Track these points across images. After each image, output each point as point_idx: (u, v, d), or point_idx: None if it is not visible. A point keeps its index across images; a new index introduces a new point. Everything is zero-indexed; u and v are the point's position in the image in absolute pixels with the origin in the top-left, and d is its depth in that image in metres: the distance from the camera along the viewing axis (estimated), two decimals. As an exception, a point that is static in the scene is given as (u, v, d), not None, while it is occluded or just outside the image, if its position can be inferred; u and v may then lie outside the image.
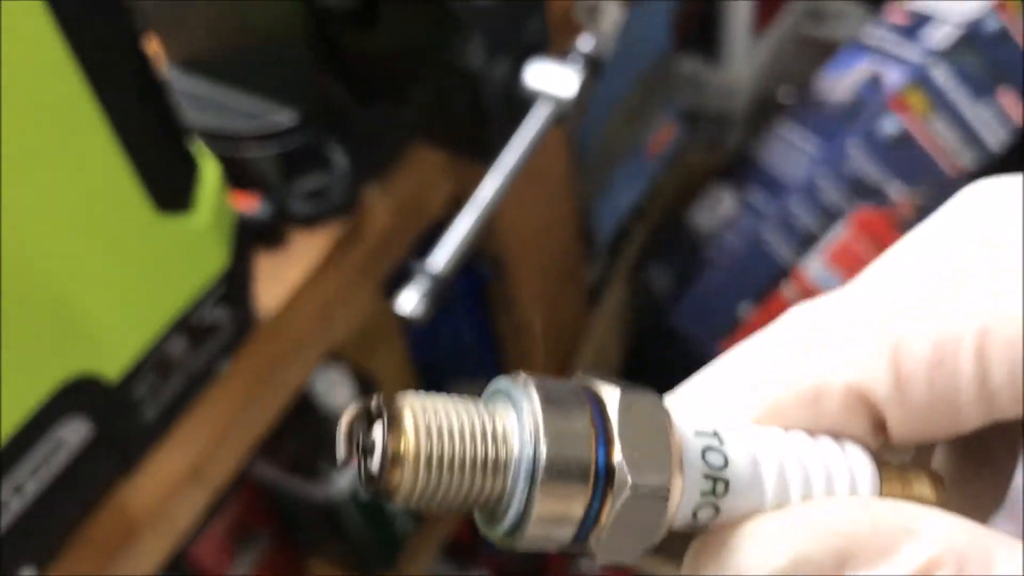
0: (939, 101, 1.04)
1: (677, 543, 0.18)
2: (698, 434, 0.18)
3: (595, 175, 1.10)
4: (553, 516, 0.16)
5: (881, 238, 1.07)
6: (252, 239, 0.60)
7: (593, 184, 1.10)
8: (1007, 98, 1.06)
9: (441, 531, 1.04)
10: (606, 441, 0.16)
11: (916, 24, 1.10)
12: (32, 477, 0.44)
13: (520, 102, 0.59)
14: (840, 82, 1.10)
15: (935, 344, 0.17)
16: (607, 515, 0.16)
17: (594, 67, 0.58)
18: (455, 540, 1.11)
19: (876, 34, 1.12)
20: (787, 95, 1.26)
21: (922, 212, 1.08)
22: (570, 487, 0.16)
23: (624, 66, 1.07)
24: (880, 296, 0.19)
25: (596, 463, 0.16)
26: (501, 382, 0.17)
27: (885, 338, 0.18)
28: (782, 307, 1.04)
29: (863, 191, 1.05)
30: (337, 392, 0.86)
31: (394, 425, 0.16)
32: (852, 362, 0.18)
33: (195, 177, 0.51)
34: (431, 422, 0.16)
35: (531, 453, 0.16)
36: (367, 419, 0.17)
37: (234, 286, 0.54)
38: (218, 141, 0.64)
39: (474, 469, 0.16)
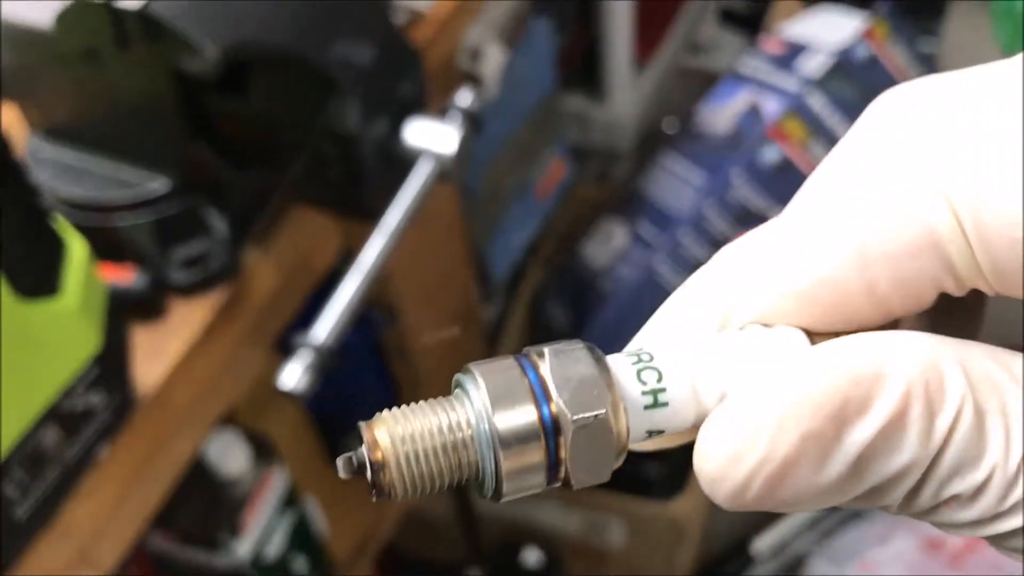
0: (817, 128, 1.08)
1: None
2: (630, 356, 0.20)
3: (487, 216, 1.10)
4: (522, 471, 0.19)
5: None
6: (127, 314, 0.58)
7: (485, 225, 1.10)
8: (879, 123, 1.10)
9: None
10: (545, 396, 0.19)
11: (790, 54, 1.13)
12: None
13: (401, 160, 0.58)
14: (720, 113, 1.12)
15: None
16: (565, 455, 0.19)
17: (473, 122, 0.57)
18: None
19: (752, 64, 1.15)
20: (672, 126, 1.28)
21: (807, 237, 1.11)
22: (526, 445, 0.19)
23: (510, 107, 1.08)
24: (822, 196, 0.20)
25: (541, 417, 0.19)
26: (457, 376, 0.20)
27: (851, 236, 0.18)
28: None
29: (749, 219, 1.07)
30: (232, 457, 0.84)
31: (372, 441, 0.19)
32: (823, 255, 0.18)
33: (60, 258, 0.49)
34: (402, 430, 0.19)
35: (486, 429, 0.19)
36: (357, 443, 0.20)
37: (109, 367, 0.52)
38: (88, 212, 0.62)
39: (446, 455, 0.19)
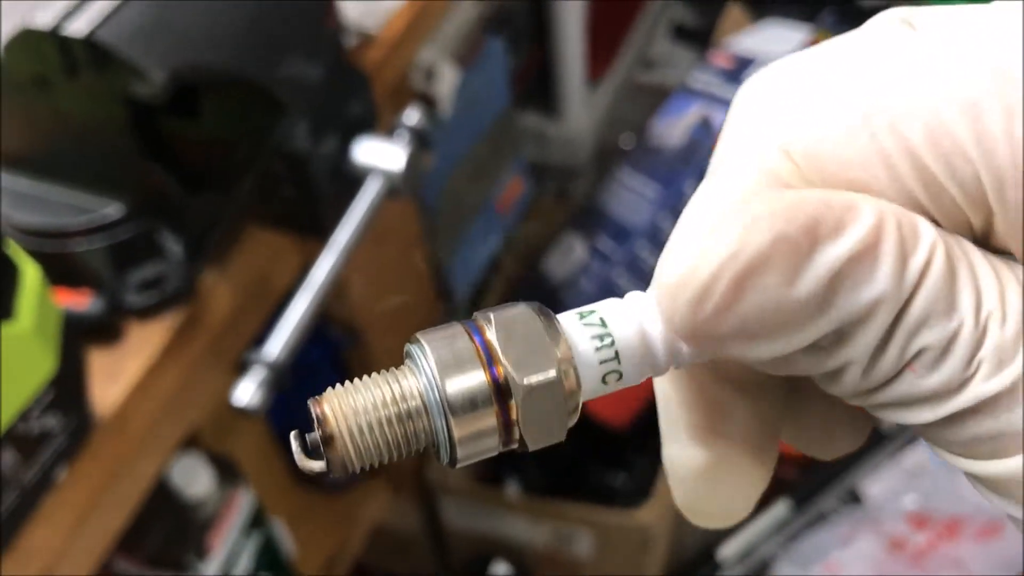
0: (767, 139, 1.10)
1: None
2: (579, 315, 0.20)
3: (447, 233, 1.11)
4: (475, 436, 0.19)
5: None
6: (84, 338, 0.58)
7: (447, 241, 1.12)
8: (828, 132, 1.12)
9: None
10: (492, 360, 0.19)
11: (739, 67, 1.15)
12: None
13: (351, 178, 0.59)
14: (673, 127, 1.14)
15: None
16: (517, 417, 0.19)
17: (421, 140, 0.59)
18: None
19: (703, 79, 1.17)
20: (628, 142, 1.30)
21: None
22: (478, 410, 0.19)
23: (467, 125, 1.09)
24: None
25: (492, 381, 0.19)
26: (406, 347, 0.20)
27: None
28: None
29: (704, 230, 1.09)
30: (196, 479, 0.84)
31: (321, 416, 0.19)
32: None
33: (13, 283, 0.49)
34: (352, 402, 0.19)
35: (436, 397, 0.19)
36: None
37: (65, 390, 0.53)
38: (43, 238, 0.63)
39: (397, 425, 0.19)
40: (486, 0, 1.05)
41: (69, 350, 0.53)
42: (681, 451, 0.22)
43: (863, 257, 0.17)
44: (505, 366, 0.19)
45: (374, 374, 0.20)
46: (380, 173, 0.58)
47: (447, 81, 0.96)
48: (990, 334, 0.17)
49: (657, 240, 1.08)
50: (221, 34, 0.56)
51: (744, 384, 0.22)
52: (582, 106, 1.24)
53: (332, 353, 0.96)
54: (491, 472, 1.21)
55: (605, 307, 0.20)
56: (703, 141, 1.10)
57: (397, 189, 0.59)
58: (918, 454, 1.11)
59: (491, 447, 0.19)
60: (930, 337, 0.17)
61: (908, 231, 0.17)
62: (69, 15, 0.53)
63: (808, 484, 1.11)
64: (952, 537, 1.08)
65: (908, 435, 1.11)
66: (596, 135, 1.28)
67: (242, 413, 0.50)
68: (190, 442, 0.83)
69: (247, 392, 0.50)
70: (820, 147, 0.18)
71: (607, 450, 1.17)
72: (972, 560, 1.06)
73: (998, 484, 0.18)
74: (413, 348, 0.20)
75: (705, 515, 0.23)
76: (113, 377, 0.62)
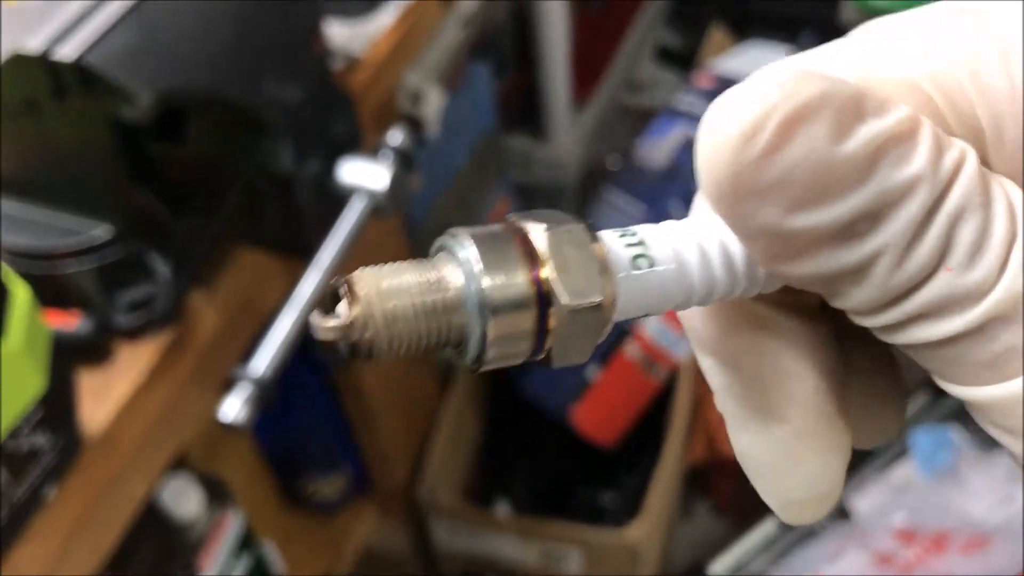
0: (750, 159, 1.11)
1: None
2: (623, 237, 0.19)
3: (435, 255, 1.12)
4: (508, 337, 0.18)
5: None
6: (73, 358, 0.59)
7: (434, 264, 1.12)
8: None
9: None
10: (538, 267, 0.18)
11: (721, 88, 1.16)
12: None
13: (336, 198, 0.60)
14: (658, 148, 1.16)
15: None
16: (554, 329, 0.18)
17: (405, 160, 0.60)
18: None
19: (687, 100, 1.19)
20: (615, 163, 1.32)
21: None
22: (516, 312, 0.18)
23: (454, 147, 1.11)
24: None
25: (535, 285, 0.18)
26: (439, 240, 0.19)
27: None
28: (626, 366, 1.07)
29: (689, 249, 1.10)
30: (185, 500, 0.84)
31: (352, 296, 0.18)
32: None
33: (3, 303, 0.50)
34: (386, 284, 0.18)
35: (476, 290, 0.18)
36: (334, 302, 0.18)
37: (54, 409, 0.53)
38: (33, 260, 0.63)
39: (431, 315, 0.18)
40: (471, 25, 1.07)
41: (58, 369, 0.54)
42: (753, 439, 0.22)
43: (904, 136, 0.17)
44: (551, 276, 0.18)
45: (407, 261, 0.19)
46: (364, 192, 0.59)
47: (433, 104, 0.98)
48: (1019, 235, 0.17)
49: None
50: (207, 56, 0.57)
51: (798, 348, 0.21)
52: (568, 128, 1.25)
53: (321, 375, 0.97)
54: (480, 492, 1.21)
55: (645, 231, 0.20)
56: (687, 161, 1.11)
57: (381, 208, 0.60)
58: (906, 470, 1.11)
59: (521, 352, 0.19)
60: (967, 229, 0.17)
61: (942, 136, 0.18)
62: (59, 39, 0.54)
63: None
64: (939, 551, 1.09)
65: (896, 450, 1.12)
66: (582, 156, 1.29)
67: (229, 429, 0.50)
68: (179, 463, 0.83)
69: (233, 408, 0.51)
70: (866, 69, 0.19)
71: (595, 469, 1.17)
72: (959, 572, 1.07)
73: (1004, 409, 0.18)
74: (451, 242, 0.19)
75: (799, 505, 0.22)
76: (102, 397, 0.62)
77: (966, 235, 0.17)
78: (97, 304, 0.64)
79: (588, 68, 1.32)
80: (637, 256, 0.19)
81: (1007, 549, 1.03)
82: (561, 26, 1.20)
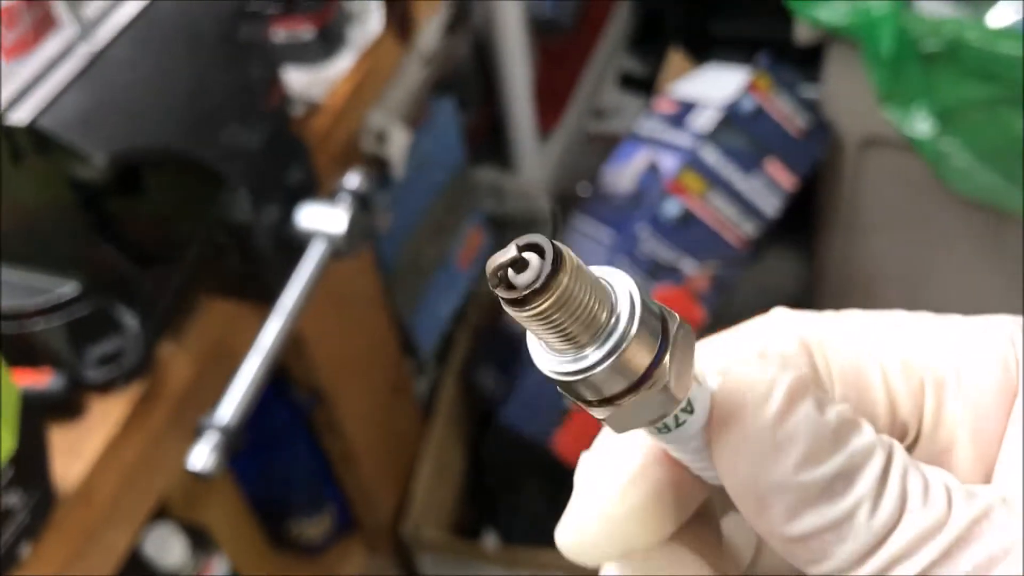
0: (713, 179, 1.13)
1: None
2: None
3: (409, 290, 1.13)
4: (631, 358, 0.20)
5: (684, 312, 1.14)
6: (44, 415, 0.60)
7: (409, 299, 1.14)
8: (773, 167, 1.16)
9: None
10: (664, 349, 0.20)
11: (682, 112, 1.19)
12: None
13: (296, 243, 0.61)
14: (623, 174, 1.17)
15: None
16: (635, 401, 0.20)
17: (362, 202, 0.61)
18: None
19: (648, 125, 1.21)
20: (585, 190, 1.33)
21: (716, 283, 1.16)
22: (645, 343, 0.20)
23: (423, 184, 1.12)
24: None
25: (654, 360, 0.20)
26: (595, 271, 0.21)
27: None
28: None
29: (659, 271, 1.12)
30: (169, 550, 0.85)
31: (559, 261, 0.19)
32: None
33: (-32, 366, 0.51)
34: (580, 266, 0.19)
35: (635, 298, 0.20)
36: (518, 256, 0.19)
37: (25, 468, 0.54)
38: (1, 320, 0.64)
39: (590, 311, 0.19)
40: (432, 62, 1.09)
41: (29, 428, 0.55)
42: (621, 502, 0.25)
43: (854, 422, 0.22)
44: (667, 364, 0.20)
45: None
46: (323, 236, 0.60)
47: (398, 143, 0.99)
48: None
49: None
50: (162, 111, 0.58)
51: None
52: (535, 158, 1.27)
53: (299, 416, 0.97)
54: (467, 524, 1.22)
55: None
56: (651, 185, 1.13)
57: (341, 251, 0.61)
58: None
59: (624, 381, 0.20)
60: (914, 480, 0.21)
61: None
62: (13, 104, 0.55)
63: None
64: None
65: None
66: (552, 185, 1.31)
67: (200, 478, 0.51)
68: (161, 512, 0.84)
69: (201, 457, 0.51)
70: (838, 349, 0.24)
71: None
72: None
73: None
74: (610, 277, 0.21)
75: (596, 555, 0.25)
76: (76, 452, 0.63)
77: (914, 484, 0.21)
78: (67, 360, 0.65)
79: (552, 97, 1.34)
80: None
81: None
82: (522, 57, 1.22)
